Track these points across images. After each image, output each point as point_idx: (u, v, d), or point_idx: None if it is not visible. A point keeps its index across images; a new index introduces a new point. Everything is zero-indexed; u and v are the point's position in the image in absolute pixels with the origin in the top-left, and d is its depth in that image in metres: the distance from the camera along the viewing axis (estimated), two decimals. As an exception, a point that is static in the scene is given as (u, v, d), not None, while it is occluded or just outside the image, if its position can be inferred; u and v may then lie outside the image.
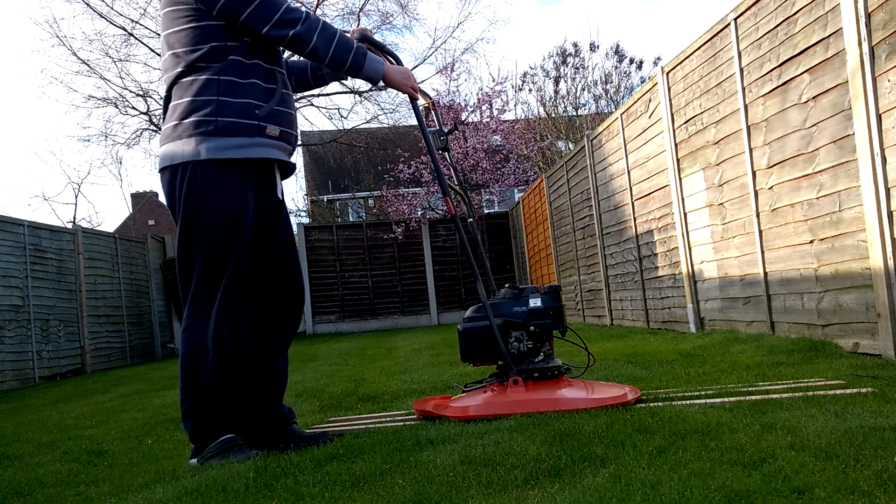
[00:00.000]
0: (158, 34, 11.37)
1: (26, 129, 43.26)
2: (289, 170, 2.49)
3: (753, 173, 4.37)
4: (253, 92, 2.25)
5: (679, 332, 5.70)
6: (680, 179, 5.47)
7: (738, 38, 4.41)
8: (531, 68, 23.53)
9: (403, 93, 2.56)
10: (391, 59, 2.67)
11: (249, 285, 2.30)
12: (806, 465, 1.53)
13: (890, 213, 3.17)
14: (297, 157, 25.86)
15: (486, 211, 15.51)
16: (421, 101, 2.73)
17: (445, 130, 2.77)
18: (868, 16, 3.21)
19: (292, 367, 6.54)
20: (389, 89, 18.06)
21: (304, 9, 2.35)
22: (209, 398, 2.24)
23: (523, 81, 18.23)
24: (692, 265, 5.47)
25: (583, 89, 17.69)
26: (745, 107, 4.38)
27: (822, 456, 1.59)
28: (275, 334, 2.45)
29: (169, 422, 3.48)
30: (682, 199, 5.47)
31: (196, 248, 2.24)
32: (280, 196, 2.42)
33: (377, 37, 2.74)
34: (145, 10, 14.84)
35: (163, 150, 2.28)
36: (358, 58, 2.33)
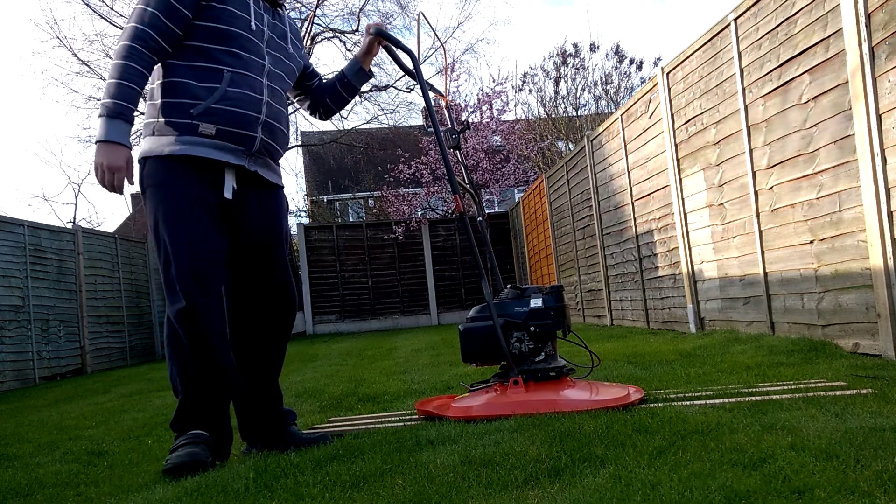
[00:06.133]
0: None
1: (27, 129, 43.27)
2: (248, 171, 2.38)
3: (753, 174, 4.37)
4: (190, 91, 2.24)
5: (679, 332, 5.70)
6: (680, 180, 5.47)
7: (738, 38, 4.41)
8: (531, 69, 23.53)
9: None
10: (406, 54, 2.69)
11: (197, 279, 2.23)
12: (806, 466, 1.53)
13: (890, 214, 3.17)
14: (298, 158, 25.88)
15: (486, 211, 15.52)
16: (432, 95, 2.73)
17: (457, 129, 2.77)
18: (868, 16, 3.21)
19: (293, 368, 6.53)
20: (390, 90, 18.13)
21: (126, 43, 2.19)
22: (180, 389, 2.29)
23: (523, 82, 18.27)
24: (692, 265, 5.47)
25: (583, 90, 17.71)
26: (746, 107, 4.38)
27: (823, 456, 1.59)
28: (257, 331, 2.45)
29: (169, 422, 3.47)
30: (682, 200, 5.47)
31: (154, 239, 2.32)
32: (230, 196, 2.33)
33: None
34: (145, 11, 14.83)
35: None
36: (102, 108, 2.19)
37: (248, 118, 2.31)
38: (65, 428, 3.72)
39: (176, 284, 2.22)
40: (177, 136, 2.24)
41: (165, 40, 2.21)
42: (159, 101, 2.27)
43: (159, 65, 2.29)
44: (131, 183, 2.23)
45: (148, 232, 2.33)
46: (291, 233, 16.22)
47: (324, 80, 2.80)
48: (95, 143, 2.15)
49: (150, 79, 2.28)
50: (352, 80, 2.75)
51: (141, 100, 2.25)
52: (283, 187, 2.58)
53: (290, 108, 18.31)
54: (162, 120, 2.26)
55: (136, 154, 2.29)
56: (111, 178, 2.14)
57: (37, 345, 8.36)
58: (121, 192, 2.20)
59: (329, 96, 2.76)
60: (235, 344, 2.47)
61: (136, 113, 2.19)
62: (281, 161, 2.62)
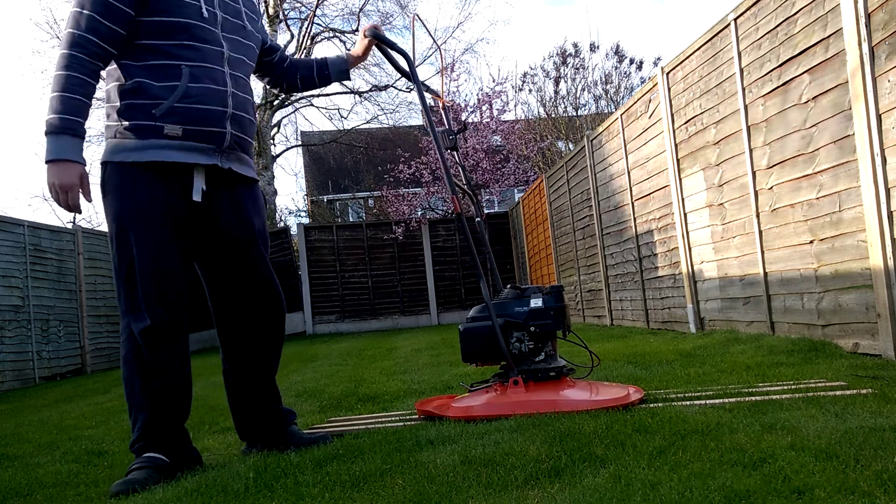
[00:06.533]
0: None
1: (27, 129, 43.23)
2: (222, 169, 2.27)
3: (753, 173, 4.37)
4: (149, 92, 2.12)
5: (679, 332, 5.70)
6: (680, 180, 5.47)
7: (738, 38, 4.41)
8: (531, 69, 23.56)
9: None
10: (401, 56, 2.67)
11: (162, 296, 2.15)
12: (806, 466, 1.53)
13: (890, 213, 3.17)
14: (298, 158, 25.95)
15: (486, 211, 15.52)
16: (428, 97, 2.72)
17: (455, 130, 2.78)
18: (868, 16, 3.21)
19: (293, 368, 6.52)
20: (390, 90, 18.15)
21: (65, 51, 2.06)
22: (136, 411, 2.18)
23: (523, 82, 18.27)
24: (692, 265, 5.47)
25: (583, 90, 17.71)
26: (745, 107, 4.38)
27: (823, 456, 1.59)
28: (246, 329, 2.39)
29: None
30: (682, 200, 5.47)
31: (112, 248, 2.20)
32: (199, 198, 2.22)
33: None
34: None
35: None
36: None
37: (215, 113, 2.19)
38: (65, 428, 3.72)
39: (141, 302, 2.13)
40: (141, 140, 2.12)
41: (108, 43, 2.08)
42: (118, 103, 2.14)
43: (115, 66, 2.16)
44: (88, 200, 2.12)
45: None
46: (292, 233, 16.23)
47: (286, 55, 2.68)
48: (45, 162, 2.01)
49: (106, 80, 2.18)
50: (332, 75, 2.69)
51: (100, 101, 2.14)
52: (257, 181, 2.46)
53: (290, 108, 18.29)
54: (124, 123, 2.13)
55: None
56: (65, 198, 2.04)
57: (37, 345, 8.36)
58: (79, 211, 2.10)
59: (301, 78, 2.67)
60: (226, 344, 2.42)
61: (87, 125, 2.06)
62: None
